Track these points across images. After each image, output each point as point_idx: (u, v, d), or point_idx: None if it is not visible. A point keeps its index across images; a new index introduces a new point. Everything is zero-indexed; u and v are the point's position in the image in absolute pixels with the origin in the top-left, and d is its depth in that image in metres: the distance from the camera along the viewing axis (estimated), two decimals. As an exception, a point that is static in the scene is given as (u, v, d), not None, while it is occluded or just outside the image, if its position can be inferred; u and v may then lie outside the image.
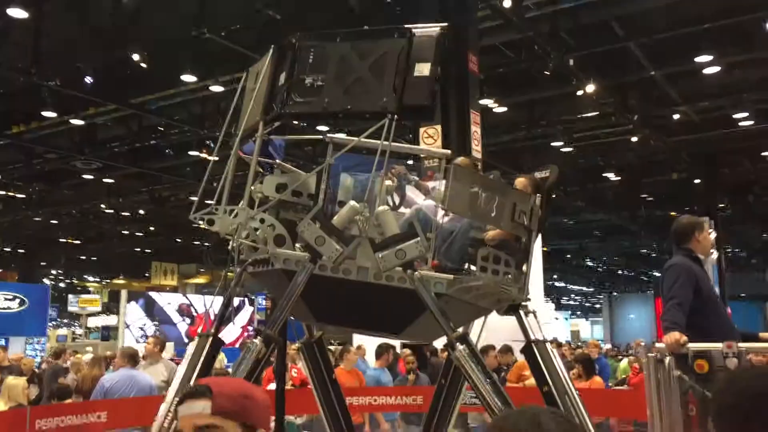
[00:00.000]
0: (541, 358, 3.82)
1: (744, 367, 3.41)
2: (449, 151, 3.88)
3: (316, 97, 3.67)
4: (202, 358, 3.70)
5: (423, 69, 3.61)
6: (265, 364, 3.69)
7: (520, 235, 3.95)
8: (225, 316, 4.00)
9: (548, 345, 3.92)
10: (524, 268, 4.03)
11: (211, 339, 3.78)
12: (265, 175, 4.07)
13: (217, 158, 4.35)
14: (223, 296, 4.09)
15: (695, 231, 4.46)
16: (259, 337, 3.60)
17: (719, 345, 3.65)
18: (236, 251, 3.87)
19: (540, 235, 4.41)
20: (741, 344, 3.64)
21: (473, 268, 3.94)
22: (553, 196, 4.22)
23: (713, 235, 4.68)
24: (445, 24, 3.79)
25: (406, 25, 3.73)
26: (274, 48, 3.90)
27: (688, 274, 4.20)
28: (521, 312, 4.05)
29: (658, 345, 3.83)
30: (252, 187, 3.88)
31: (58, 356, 11.77)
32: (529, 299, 4.05)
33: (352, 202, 3.67)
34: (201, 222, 3.80)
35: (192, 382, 3.57)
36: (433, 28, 3.74)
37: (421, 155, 4.48)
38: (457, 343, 3.54)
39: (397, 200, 4.40)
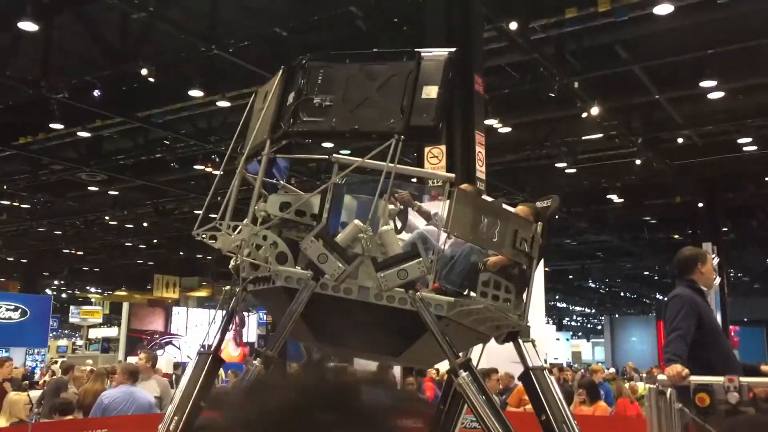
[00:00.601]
0: (539, 386, 3.81)
1: (746, 418, 3.39)
2: (453, 175, 3.90)
3: (323, 117, 3.69)
4: (202, 376, 3.68)
5: (430, 92, 3.64)
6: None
7: (521, 262, 3.95)
8: (225, 333, 3.98)
9: (546, 373, 3.92)
10: (524, 295, 4.03)
11: (211, 357, 3.77)
12: (269, 196, 4.08)
13: (222, 172, 4.36)
14: (224, 313, 4.07)
15: (698, 262, 4.47)
16: (258, 359, 3.59)
17: (721, 378, 3.64)
18: (238, 269, 3.87)
19: (542, 257, 4.40)
20: (742, 378, 3.63)
21: (473, 294, 3.93)
22: (553, 224, 4.21)
23: (716, 261, 4.68)
24: (454, 49, 3.81)
25: (415, 49, 3.75)
26: (283, 68, 3.92)
27: (691, 305, 4.20)
28: (520, 340, 4.03)
29: (660, 377, 3.82)
30: (255, 206, 3.89)
31: (66, 372, 11.61)
32: (529, 326, 4.04)
33: (356, 221, 3.69)
34: (204, 237, 3.78)
35: (192, 401, 3.58)
36: (441, 52, 3.77)
37: (424, 177, 4.50)
38: (461, 371, 3.53)
39: (399, 225, 4.41)
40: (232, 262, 3.95)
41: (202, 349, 3.87)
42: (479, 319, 3.82)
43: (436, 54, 3.75)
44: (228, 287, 4.05)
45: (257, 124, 3.99)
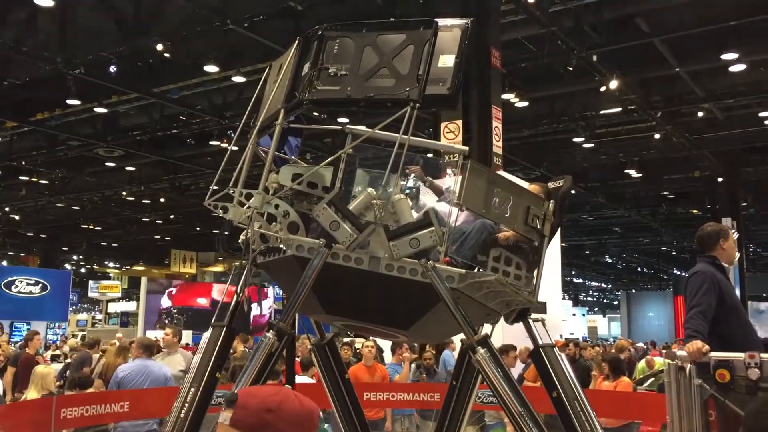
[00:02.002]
0: (549, 363, 3.81)
1: None
2: (467, 148, 3.87)
3: (338, 85, 3.67)
4: (217, 348, 3.70)
5: (447, 61, 3.61)
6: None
7: (533, 239, 3.92)
8: (238, 307, 3.99)
9: (556, 350, 3.90)
10: (535, 273, 4.01)
11: (225, 329, 3.78)
12: (281, 167, 4.06)
13: (236, 148, 4.35)
14: (236, 286, 4.05)
15: (720, 239, 4.42)
16: (271, 331, 3.59)
17: (741, 355, 3.61)
18: (248, 243, 3.87)
19: (558, 231, 4.35)
20: (763, 354, 3.60)
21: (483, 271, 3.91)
22: (565, 204, 4.19)
23: (736, 235, 4.64)
24: (472, 18, 3.77)
25: (427, 20, 3.71)
26: (299, 38, 3.89)
27: (712, 282, 4.17)
28: (529, 318, 4.02)
29: (679, 353, 3.80)
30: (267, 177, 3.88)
31: (92, 347, 11.75)
32: (541, 303, 4.02)
33: (370, 189, 3.68)
34: (215, 208, 3.79)
35: (207, 374, 3.61)
36: (459, 22, 3.73)
37: (441, 150, 4.47)
38: (479, 347, 3.52)
39: (410, 201, 4.39)
40: (242, 236, 3.94)
41: (215, 321, 3.87)
42: (490, 293, 3.79)
43: (453, 23, 3.72)
44: (238, 262, 4.05)
45: (271, 96, 3.96)
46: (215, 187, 3.85)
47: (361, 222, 3.55)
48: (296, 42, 3.89)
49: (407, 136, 3.54)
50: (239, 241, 3.97)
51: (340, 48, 3.72)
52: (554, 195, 4.13)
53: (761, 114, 17.18)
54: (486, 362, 3.51)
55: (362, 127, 3.96)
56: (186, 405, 3.54)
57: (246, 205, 3.76)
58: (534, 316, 4.14)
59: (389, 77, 3.62)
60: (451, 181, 4.34)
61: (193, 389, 3.57)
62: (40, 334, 12.77)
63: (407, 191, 4.24)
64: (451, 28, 3.70)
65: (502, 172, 5.03)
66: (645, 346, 23.84)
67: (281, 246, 3.77)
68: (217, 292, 27.04)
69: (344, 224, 3.52)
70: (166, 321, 25.22)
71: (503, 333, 4.74)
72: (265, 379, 3.60)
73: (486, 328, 4.16)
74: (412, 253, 3.52)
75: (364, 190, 3.93)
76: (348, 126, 3.79)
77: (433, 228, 3.51)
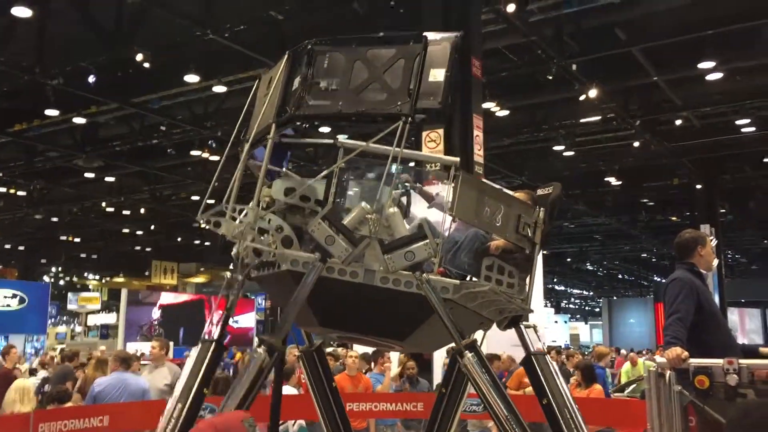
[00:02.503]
0: (540, 370, 3.84)
1: (758, 400, 3.40)
2: (458, 159, 3.92)
3: (330, 100, 3.70)
4: (204, 365, 3.69)
5: (437, 75, 3.65)
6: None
7: (524, 247, 3.96)
8: (227, 321, 3.98)
9: (548, 357, 3.94)
10: (527, 280, 4.04)
11: (214, 344, 3.77)
12: (274, 181, 4.05)
13: (224, 158, 4.34)
14: (225, 300, 4.04)
15: (698, 245, 4.48)
16: (262, 347, 3.60)
17: (720, 361, 3.65)
18: (240, 257, 3.86)
19: (544, 242, 4.39)
20: (742, 360, 3.64)
21: (476, 280, 3.94)
22: (555, 212, 4.25)
23: (714, 242, 4.69)
24: (461, 32, 3.83)
25: (417, 34, 3.75)
26: (289, 53, 3.90)
27: (690, 288, 4.21)
28: (521, 325, 4.04)
29: (659, 360, 3.83)
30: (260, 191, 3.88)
31: (71, 359, 11.50)
32: (531, 311, 4.06)
33: (363, 204, 3.69)
34: (208, 224, 3.78)
35: (194, 390, 3.60)
36: (448, 36, 3.77)
37: (429, 161, 4.51)
38: (466, 351, 3.56)
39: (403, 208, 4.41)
40: (234, 249, 3.93)
41: (204, 337, 3.87)
42: (484, 302, 3.83)
43: (442, 37, 3.76)
44: (229, 273, 4.03)
45: (262, 110, 3.97)
46: (211, 201, 3.85)
47: (355, 236, 3.57)
48: (285, 56, 3.90)
49: (400, 149, 3.57)
50: (231, 254, 3.95)
51: (330, 63, 3.75)
52: (542, 202, 4.18)
53: (738, 122, 17.42)
54: (473, 366, 3.54)
55: (354, 141, 3.95)
56: (172, 421, 3.53)
57: (238, 220, 3.76)
58: (527, 322, 4.18)
59: (380, 91, 3.66)
60: (440, 188, 4.39)
61: (179, 405, 3.56)
62: (16, 348, 12.56)
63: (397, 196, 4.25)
64: (440, 42, 3.74)
65: (485, 181, 5.04)
66: (626, 353, 23.97)
67: (274, 260, 3.77)
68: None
69: (339, 239, 3.54)
70: (145, 333, 24.91)
71: (486, 341, 4.75)
72: (254, 395, 3.58)
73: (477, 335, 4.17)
74: (407, 265, 3.55)
75: (356, 202, 3.94)
76: (339, 139, 3.79)
77: (428, 240, 3.54)
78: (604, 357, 12.22)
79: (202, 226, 3.82)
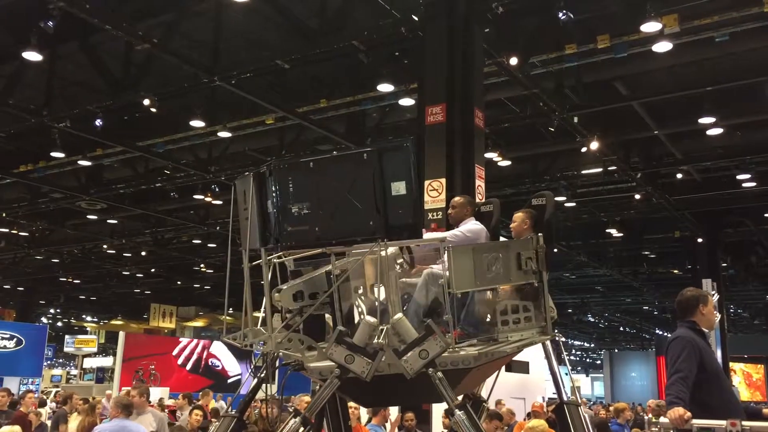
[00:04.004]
0: (570, 420, 4.00)
1: None
2: (445, 236, 4.05)
3: (306, 225, 3.86)
4: None
5: (399, 188, 3.75)
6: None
7: (532, 281, 4.11)
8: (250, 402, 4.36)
9: (581, 409, 4.08)
10: (542, 307, 4.20)
11: (234, 421, 4.06)
12: (282, 289, 4.19)
13: (221, 202, 4.47)
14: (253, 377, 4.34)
15: (699, 304, 4.44)
16: (298, 417, 3.84)
17: (723, 422, 3.59)
18: (270, 357, 4.15)
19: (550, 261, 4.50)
20: (745, 422, 3.58)
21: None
22: (552, 224, 4.44)
23: (716, 298, 4.67)
24: (411, 137, 3.98)
25: (369, 148, 3.86)
26: (254, 174, 4.02)
27: (693, 347, 4.17)
28: (558, 372, 4.27)
29: (662, 420, 3.78)
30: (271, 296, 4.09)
31: (64, 402, 11.37)
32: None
33: (368, 318, 3.82)
34: (251, 345, 4.10)
35: None
36: (400, 143, 3.88)
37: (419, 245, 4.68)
38: (456, 410, 3.68)
39: (408, 259, 4.47)
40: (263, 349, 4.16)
41: (226, 412, 4.30)
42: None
43: (395, 145, 3.89)
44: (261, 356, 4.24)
45: (247, 224, 4.08)
46: (248, 331, 4.08)
47: (369, 351, 3.71)
48: (252, 177, 4.03)
49: (386, 267, 3.79)
50: (262, 354, 4.22)
51: (295, 185, 3.89)
52: (539, 216, 4.51)
53: (739, 176, 17.51)
54: (463, 422, 3.65)
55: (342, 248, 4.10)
56: None
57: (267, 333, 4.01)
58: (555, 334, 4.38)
59: (351, 212, 3.80)
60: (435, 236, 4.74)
61: None
62: (34, 393, 12.45)
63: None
64: (394, 149, 3.84)
65: (477, 202, 5.24)
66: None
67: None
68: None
69: (357, 357, 3.69)
70: (142, 379, 24.64)
71: (487, 390, 4.87)
72: None
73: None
74: (423, 364, 3.65)
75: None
76: (329, 248, 3.97)
77: (437, 337, 3.64)
78: (622, 413, 11.35)
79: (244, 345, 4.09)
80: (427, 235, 5.31)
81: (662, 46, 11.05)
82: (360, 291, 4.25)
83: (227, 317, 20.62)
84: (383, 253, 3.73)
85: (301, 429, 3.82)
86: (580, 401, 4.18)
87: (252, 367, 4.53)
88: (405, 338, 3.70)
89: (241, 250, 4.12)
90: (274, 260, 4.16)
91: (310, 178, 3.89)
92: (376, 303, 3.90)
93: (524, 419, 10.73)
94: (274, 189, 3.89)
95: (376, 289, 3.93)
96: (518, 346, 4.07)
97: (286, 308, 4.12)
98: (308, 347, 4.02)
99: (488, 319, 4.24)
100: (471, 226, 4.75)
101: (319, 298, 4.06)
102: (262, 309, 4.03)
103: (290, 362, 4.25)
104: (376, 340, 3.69)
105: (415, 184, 3.76)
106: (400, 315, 3.77)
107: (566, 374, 4.38)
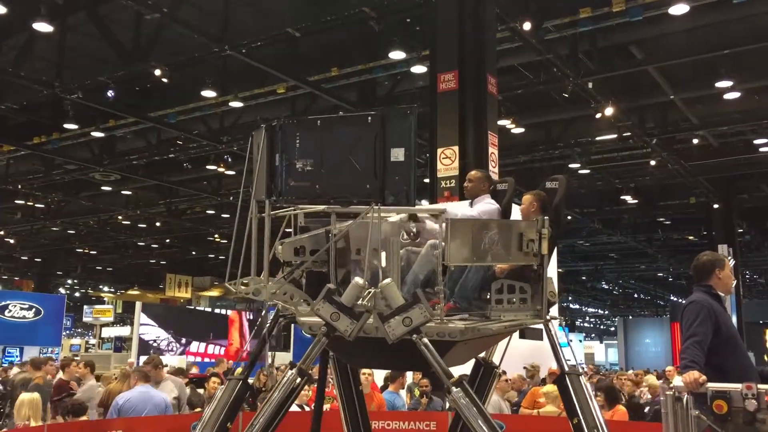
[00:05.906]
0: (573, 390, 3.94)
1: None
2: (444, 207, 4.04)
3: (308, 181, 3.96)
4: (231, 400, 4.06)
5: (398, 154, 3.82)
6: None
7: (531, 263, 4.08)
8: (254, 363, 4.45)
9: (581, 378, 4.02)
10: (541, 290, 4.16)
11: (240, 383, 4.11)
12: (283, 243, 4.29)
13: (233, 172, 4.55)
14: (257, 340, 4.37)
15: (716, 268, 4.41)
16: (294, 370, 3.88)
17: (738, 386, 3.58)
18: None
19: (555, 255, 4.45)
20: (760, 385, 3.57)
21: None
22: (562, 210, 4.38)
23: (732, 263, 4.63)
24: (415, 105, 3.98)
25: (374, 112, 3.92)
26: (266, 128, 4.11)
27: (708, 312, 4.15)
28: (555, 338, 4.20)
29: (676, 383, 3.77)
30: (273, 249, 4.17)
31: (63, 369, 11.26)
32: (554, 318, 4.24)
33: (357, 279, 3.86)
34: (246, 293, 4.08)
35: (219, 423, 3.94)
36: (404, 110, 3.92)
37: (419, 214, 4.68)
38: (453, 387, 3.68)
39: (414, 230, 4.47)
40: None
41: (231, 375, 4.24)
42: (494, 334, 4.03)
43: (398, 112, 3.93)
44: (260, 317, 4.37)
45: (255, 177, 4.18)
46: (229, 268, 4.08)
47: (356, 312, 3.75)
48: (264, 130, 4.11)
49: (378, 232, 3.84)
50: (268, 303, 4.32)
51: (302, 142, 3.99)
52: (548, 201, 4.42)
53: (756, 141, 17.29)
54: (460, 400, 3.64)
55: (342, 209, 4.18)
56: None
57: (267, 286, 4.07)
58: (553, 314, 4.36)
59: (351, 173, 3.89)
60: (455, 207, 4.83)
61: None
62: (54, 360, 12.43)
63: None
64: (398, 116, 3.90)
65: (495, 180, 5.22)
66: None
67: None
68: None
69: (343, 316, 3.73)
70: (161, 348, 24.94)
71: (500, 354, 4.92)
72: (284, 414, 3.89)
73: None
74: (406, 331, 3.68)
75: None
76: (330, 206, 4.08)
77: (423, 306, 3.66)
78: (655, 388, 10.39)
79: (239, 292, 4.10)
80: (442, 205, 5.33)
81: (679, 9, 10.85)
82: (360, 253, 4.26)
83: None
84: (377, 217, 3.81)
85: (298, 380, 3.85)
86: (581, 371, 4.19)
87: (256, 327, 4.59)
88: (391, 303, 3.73)
89: (251, 200, 4.20)
90: (282, 213, 4.24)
91: (315, 136, 3.99)
92: (369, 266, 3.94)
93: (540, 384, 10.79)
94: (281, 143, 4.01)
95: (374, 253, 3.96)
96: (506, 327, 4.08)
97: (287, 262, 4.22)
98: (304, 302, 4.09)
99: (485, 297, 4.26)
100: (486, 206, 4.69)
101: (318, 256, 4.15)
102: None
103: (285, 314, 4.36)
104: (361, 302, 3.74)
105: (414, 153, 3.81)
106: (389, 280, 3.80)
107: (566, 345, 4.36)
